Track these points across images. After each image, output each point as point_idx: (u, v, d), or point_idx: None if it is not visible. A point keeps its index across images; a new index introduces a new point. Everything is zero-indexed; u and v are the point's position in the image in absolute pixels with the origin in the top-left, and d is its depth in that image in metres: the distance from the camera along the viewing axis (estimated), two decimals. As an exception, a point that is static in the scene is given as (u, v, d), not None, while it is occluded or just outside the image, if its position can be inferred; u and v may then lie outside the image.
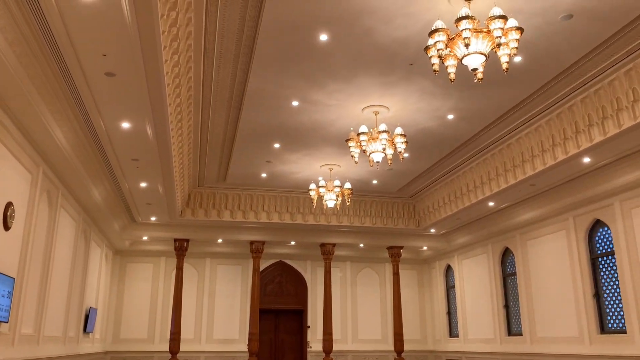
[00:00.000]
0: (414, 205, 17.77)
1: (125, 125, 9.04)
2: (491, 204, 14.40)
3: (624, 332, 11.55)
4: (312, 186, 13.35)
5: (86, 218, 13.88)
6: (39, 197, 9.80)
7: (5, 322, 8.28)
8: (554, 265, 13.83)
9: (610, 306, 12.19)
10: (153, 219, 16.29)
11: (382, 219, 17.48)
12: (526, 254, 15.03)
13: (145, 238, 17.47)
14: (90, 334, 15.52)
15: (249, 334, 16.99)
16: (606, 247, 12.42)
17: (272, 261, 19.94)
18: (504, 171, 12.75)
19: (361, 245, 18.92)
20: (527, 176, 11.90)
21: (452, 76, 7.12)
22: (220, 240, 18.09)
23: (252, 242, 17.72)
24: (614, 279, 12.11)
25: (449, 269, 19.94)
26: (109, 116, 8.76)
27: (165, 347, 17.63)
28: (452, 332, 19.39)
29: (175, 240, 17.22)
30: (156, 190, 12.91)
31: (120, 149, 10.23)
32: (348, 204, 13.33)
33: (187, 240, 17.29)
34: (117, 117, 8.77)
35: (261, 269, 19.05)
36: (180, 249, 17.23)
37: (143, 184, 12.55)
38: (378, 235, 18.47)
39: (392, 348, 19.17)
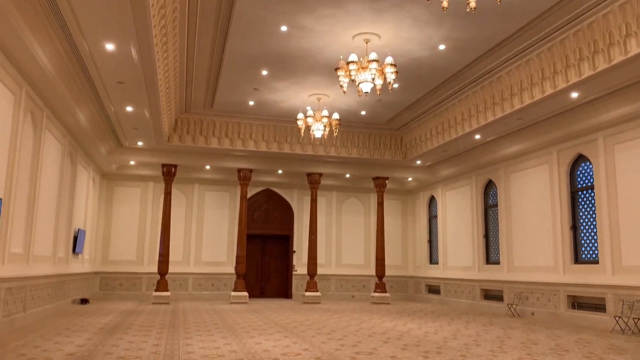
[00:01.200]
0: (401, 137, 17.85)
1: (110, 46, 8.82)
2: (477, 136, 14.52)
3: (597, 262, 12.06)
4: (300, 116, 13.29)
5: (72, 141, 13.80)
6: (22, 118, 9.69)
7: (-6, 241, 8.43)
8: (535, 197, 14.17)
9: (585, 238, 12.65)
10: (140, 143, 16.23)
11: (369, 150, 17.60)
12: (509, 186, 15.34)
13: (132, 162, 17.48)
14: (80, 255, 15.84)
15: (236, 257, 17.47)
16: (586, 181, 12.71)
17: (259, 189, 20.16)
18: (492, 104, 12.76)
19: (347, 175, 19.14)
20: (515, 109, 11.94)
21: (445, 4, 6.97)
22: (208, 167, 18.17)
23: (239, 170, 17.84)
24: (591, 212, 12.49)
25: (432, 199, 20.35)
26: (92, 37, 8.52)
27: (154, 268, 18.11)
28: (432, 260, 20.08)
29: (163, 165, 17.26)
30: (142, 114, 12.79)
31: (105, 71, 10.03)
32: (335, 134, 13.35)
33: (175, 166, 17.35)
34: (100, 38, 8.53)
35: (248, 196, 19.30)
36: (168, 174, 17.31)
37: (129, 108, 12.41)
38: (364, 166, 18.65)
39: (374, 273, 19.87)
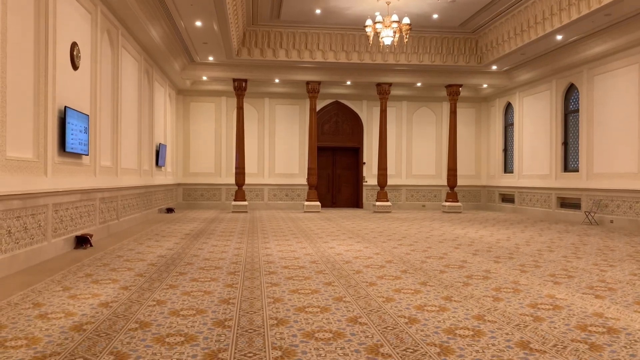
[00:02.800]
0: (476, 41, 16.97)
1: (175, -42, 8.79)
2: (559, 37, 13.54)
3: (686, 168, 11.36)
4: (369, 22, 12.89)
5: (147, 58, 14.24)
6: (100, 37, 10.06)
7: (86, 155, 9.12)
8: (620, 101, 13.29)
9: (675, 143, 11.86)
10: (211, 58, 16.48)
11: (441, 57, 16.93)
12: (592, 90, 14.42)
13: (204, 78, 17.87)
14: (163, 167, 16.83)
15: (308, 169, 17.91)
16: (681, 81, 11.70)
17: (328, 101, 20.15)
18: (576, 0, 11.75)
19: (418, 84, 18.64)
20: (603, 5, 10.95)
21: None
22: (277, 81, 18.27)
23: (308, 82, 17.82)
24: (683, 115, 11.60)
25: (508, 106, 19.56)
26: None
27: (232, 180, 19.00)
28: (507, 169, 19.64)
29: (234, 80, 17.53)
30: (211, 28, 12.89)
31: (172, -15, 10.07)
32: (406, 40, 12.91)
33: (245, 80, 17.58)
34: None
35: (318, 108, 19.39)
36: (239, 88, 17.61)
37: (198, 23, 12.53)
38: (436, 74, 18.05)
39: (445, 183, 19.81)
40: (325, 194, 20.53)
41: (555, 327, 4.03)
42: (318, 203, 17.72)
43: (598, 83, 14.17)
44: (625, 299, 5.07)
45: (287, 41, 16.31)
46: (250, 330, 3.90)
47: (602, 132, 14.00)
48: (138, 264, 6.93)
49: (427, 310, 4.55)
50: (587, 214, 14.11)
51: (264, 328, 3.97)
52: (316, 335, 3.80)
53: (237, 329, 3.93)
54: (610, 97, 13.69)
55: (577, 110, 15.23)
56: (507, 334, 3.86)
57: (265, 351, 3.44)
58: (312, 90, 17.86)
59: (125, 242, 9.27)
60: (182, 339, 3.70)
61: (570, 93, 15.76)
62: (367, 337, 3.77)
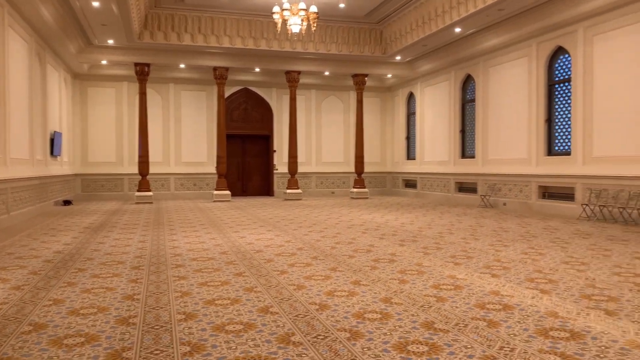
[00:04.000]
0: (381, 32, 17.40)
1: None
2: (458, 30, 14.23)
3: (569, 153, 12.42)
4: (276, 9, 12.78)
5: (39, 40, 13.18)
6: (-18, 15, 9.16)
7: (-31, 144, 8.31)
8: (512, 91, 14.23)
9: (559, 130, 12.92)
10: (110, 41, 15.58)
11: (348, 46, 17.20)
12: (487, 80, 15.32)
13: (104, 62, 16.89)
14: (59, 157, 15.75)
15: (217, 157, 17.57)
16: (564, 74, 12.73)
17: (237, 88, 19.82)
18: (473, -5, 12.39)
19: (326, 73, 18.83)
20: (497, 0, 11.63)
21: None
22: (182, 66, 17.67)
23: (215, 68, 17.40)
24: (566, 105, 12.65)
25: (411, 96, 20.32)
26: None
27: (135, 169, 18.18)
28: (410, 156, 20.46)
29: (136, 64, 16.72)
30: (110, 9, 12.17)
31: (65, -39, 9.37)
32: (314, 29, 12.94)
33: (148, 65, 16.83)
34: None
35: (226, 95, 19.03)
36: (142, 73, 16.83)
37: (95, 3, 11.78)
38: (343, 63, 18.32)
39: (353, 170, 20.26)
40: (235, 183, 20.26)
41: (457, 307, 4.25)
42: (228, 192, 17.46)
43: (493, 74, 15.08)
44: (518, 276, 5.46)
45: (192, 25, 15.79)
46: (156, 327, 3.76)
47: (496, 120, 14.94)
48: (32, 261, 6.44)
49: (337, 296, 4.62)
50: (482, 197, 15.04)
51: (171, 323, 3.84)
52: (226, 327, 3.74)
53: (143, 326, 3.77)
54: (503, 88, 14.62)
55: (474, 100, 16.13)
56: (412, 315, 4.02)
57: (173, 347, 3.33)
58: (220, 76, 17.47)
59: (17, 238, 8.59)
60: (83, 339, 3.49)
61: (468, 84, 16.66)
62: (279, 326, 3.76)
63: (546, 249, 7.29)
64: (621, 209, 10.52)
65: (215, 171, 18.55)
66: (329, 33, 16.93)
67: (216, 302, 4.45)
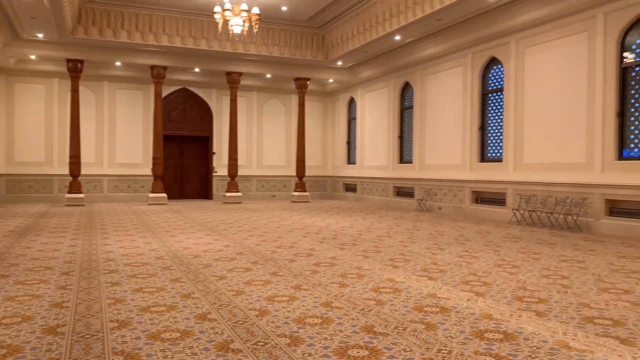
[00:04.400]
0: (323, 37, 17.51)
1: None
2: (398, 37, 14.53)
3: (500, 160, 12.94)
4: (217, 9, 12.59)
5: (-41, 30, 12.36)
6: None
7: None
8: (448, 100, 14.69)
9: (492, 138, 13.44)
10: (40, 35, 14.82)
11: (290, 49, 17.19)
12: (424, 88, 15.74)
13: (33, 57, 16.03)
14: (-20, 156, 14.79)
15: (153, 158, 17.06)
16: (497, 84, 13.27)
17: (175, 87, 19.36)
18: (413, 4, 12.69)
19: (268, 75, 18.74)
20: (435, 10, 11.98)
21: None
22: (118, 64, 17.08)
23: (152, 67, 16.92)
24: (499, 114, 13.18)
25: (352, 101, 20.57)
26: None
27: (65, 170, 17.35)
28: (350, 160, 20.70)
29: (68, 60, 15.99)
30: (40, 1, 11.57)
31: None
32: (255, 30, 12.85)
33: (82, 61, 16.13)
34: None
35: (164, 95, 18.55)
36: (74, 70, 16.11)
37: (24, -6, 11.17)
38: (285, 66, 18.30)
39: (294, 173, 20.24)
40: (172, 185, 19.75)
41: (395, 310, 4.31)
42: (164, 195, 16.99)
43: (430, 82, 15.50)
44: (454, 279, 5.60)
45: (129, 22, 15.28)
46: (87, 336, 3.57)
47: (432, 127, 15.36)
48: (-52, 268, 5.99)
49: (277, 301, 4.57)
50: (419, 201, 15.41)
51: (103, 332, 3.66)
52: (162, 335, 3.60)
53: (72, 335, 3.57)
54: (439, 96, 15.06)
55: (412, 107, 16.52)
56: (353, 319, 4.03)
57: (105, 357, 3.17)
58: (157, 75, 17.00)
59: None
60: (5, 351, 3.26)
61: (406, 91, 17.05)
62: (217, 333, 3.67)
63: (480, 252, 7.54)
64: (549, 214, 11.06)
65: (151, 173, 18.01)
66: (271, 35, 16.87)
67: (151, 309, 4.29)
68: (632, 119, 9.82)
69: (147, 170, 18.75)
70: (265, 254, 7.27)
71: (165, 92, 18.81)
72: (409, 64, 16.18)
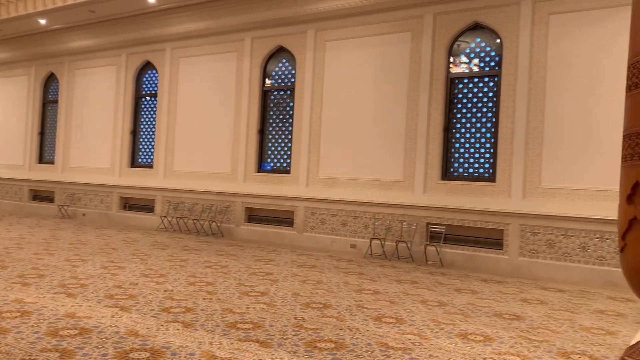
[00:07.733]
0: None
1: None
2: (43, 21, 12.87)
3: (152, 166, 12.78)
4: None
5: None
6: None
7: None
8: (99, 99, 13.75)
9: (144, 143, 13.17)
10: None
11: None
12: (73, 83, 14.37)
13: None
14: None
15: None
16: (152, 88, 13.10)
17: None
18: (63, -12, 11.45)
19: None
20: (87, 0, 11.07)
21: None
22: None
23: None
24: (152, 119, 13.02)
25: (-21, 86, 17.24)
26: None
27: None
28: (-27, 156, 17.27)
29: None
30: None
31: None
32: None
33: None
34: None
35: None
36: None
37: None
38: None
39: None
40: None
41: (23, 338, 3.60)
42: None
43: (79, 77, 14.25)
44: (97, 294, 5.10)
45: None
46: None
47: (81, 126, 14.13)
48: None
49: None
50: (60, 207, 13.91)
51: None
52: None
53: None
54: (90, 94, 13.98)
55: (57, 101, 14.87)
56: (-40, 358, 3.17)
57: None
58: None
59: None
60: None
61: (51, 82, 15.25)
62: None
63: (126, 261, 7.16)
64: (195, 221, 11.44)
65: None
66: None
67: None
68: (270, 136, 11.06)
69: None
70: None
71: None
72: (55, 53, 14.51)
